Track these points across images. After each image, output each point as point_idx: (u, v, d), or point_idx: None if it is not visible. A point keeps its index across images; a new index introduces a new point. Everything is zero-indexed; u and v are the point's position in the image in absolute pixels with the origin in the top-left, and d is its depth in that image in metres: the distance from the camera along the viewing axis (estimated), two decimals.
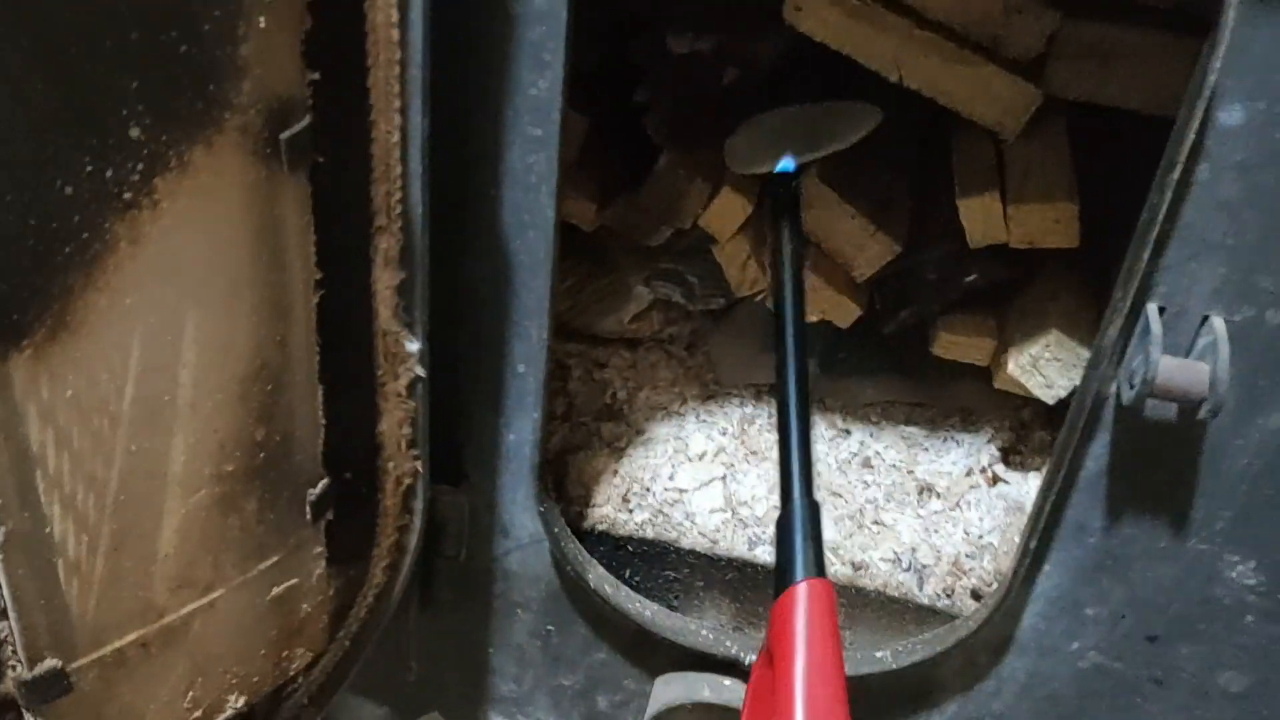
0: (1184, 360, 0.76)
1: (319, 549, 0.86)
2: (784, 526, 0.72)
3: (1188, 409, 0.79)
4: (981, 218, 1.02)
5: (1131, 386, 0.78)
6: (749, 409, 1.17)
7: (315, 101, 0.71)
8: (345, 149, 0.75)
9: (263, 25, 0.64)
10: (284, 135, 0.69)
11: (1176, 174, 0.72)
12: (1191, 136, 0.71)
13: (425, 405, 0.88)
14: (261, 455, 0.77)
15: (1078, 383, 0.98)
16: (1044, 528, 0.88)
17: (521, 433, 0.97)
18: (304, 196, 0.73)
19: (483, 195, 0.88)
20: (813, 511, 0.72)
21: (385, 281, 0.83)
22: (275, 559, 0.82)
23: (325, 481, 0.84)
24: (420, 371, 0.86)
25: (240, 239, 0.69)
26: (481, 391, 0.96)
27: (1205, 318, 0.77)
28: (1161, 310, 0.78)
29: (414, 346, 0.86)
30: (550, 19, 0.80)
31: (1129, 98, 1.02)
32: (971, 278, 1.06)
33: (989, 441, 1.12)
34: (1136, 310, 0.78)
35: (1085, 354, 1.01)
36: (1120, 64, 1.02)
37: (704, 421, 1.14)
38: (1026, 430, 1.13)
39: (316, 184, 0.74)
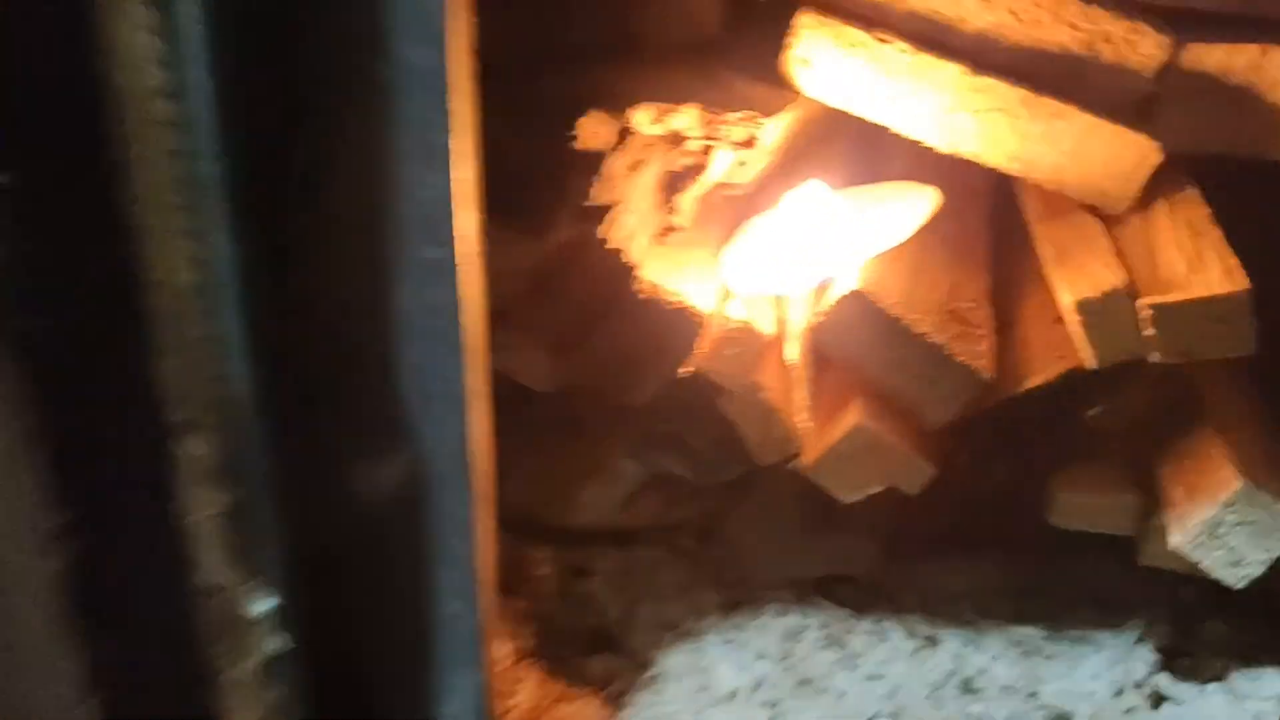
0: None
1: None
2: None
3: None
4: (1102, 326, 0.75)
5: None
6: (793, 618, 0.91)
7: None
8: None
9: None
10: None
11: None
12: None
13: (300, 689, 0.64)
14: None
15: (1278, 553, 0.69)
16: None
17: (464, 698, 0.72)
18: None
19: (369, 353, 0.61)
20: None
21: (202, 508, 0.55)
22: None
23: None
24: (280, 644, 0.61)
25: None
26: (399, 648, 0.71)
27: None
28: None
29: (264, 606, 0.59)
30: None
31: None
32: (1095, 411, 0.80)
33: (1140, 642, 0.86)
34: None
35: None
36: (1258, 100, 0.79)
37: (731, 642, 0.90)
38: (1193, 621, 0.87)
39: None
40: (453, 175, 0.58)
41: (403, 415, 0.63)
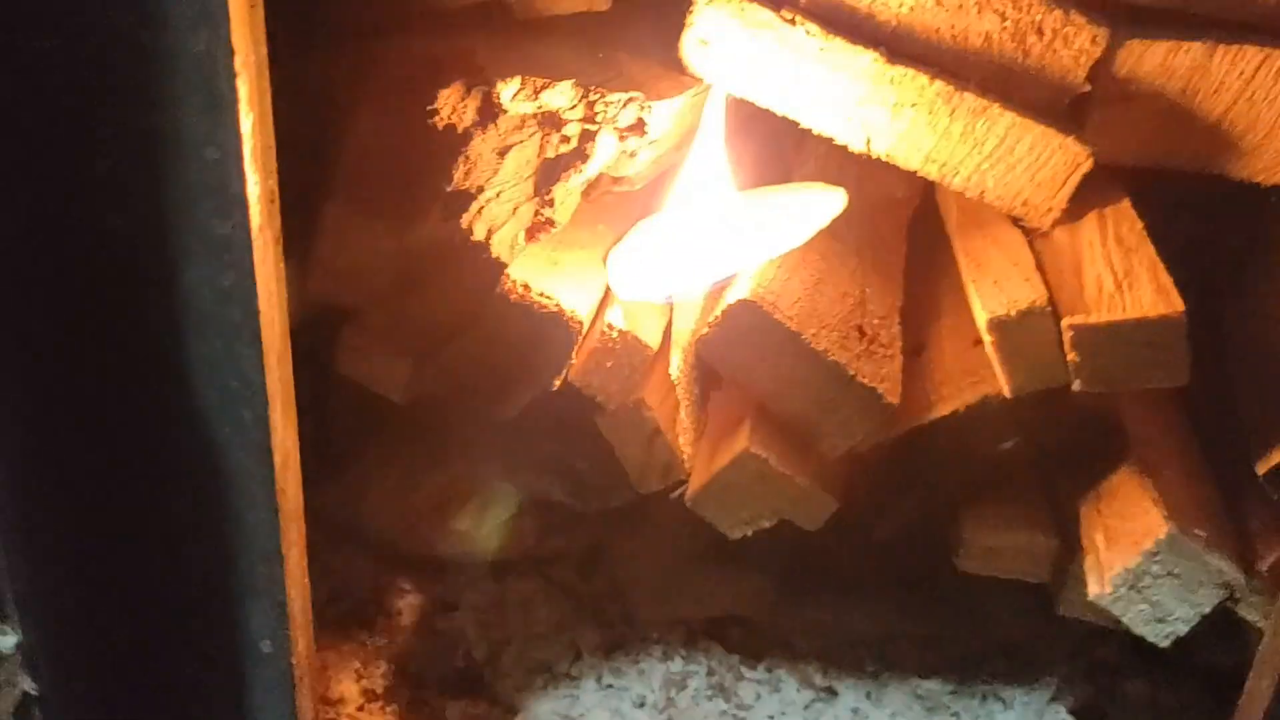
0: None
1: None
2: None
3: None
4: (1018, 348, 0.67)
5: None
6: (678, 663, 0.82)
7: None
8: None
9: None
10: None
11: None
12: None
13: None
14: None
15: (1206, 609, 0.61)
16: None
17: None
18: None
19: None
20: None
21: None
22: None
23: None
24: (29, 687, 0.53)
25: None
26: (201, 693, 0.61)
27: None
28: None
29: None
30: None
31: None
32: (1009, 444, 0.70)
33: (1054, 699, 0.78)
34: None
35: (1217, 563, 0.62)
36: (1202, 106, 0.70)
37: (609, 688, 0.81)
38: (1113, 678, 0.78)
39: None
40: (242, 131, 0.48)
41: (197, 421, 0.54)
